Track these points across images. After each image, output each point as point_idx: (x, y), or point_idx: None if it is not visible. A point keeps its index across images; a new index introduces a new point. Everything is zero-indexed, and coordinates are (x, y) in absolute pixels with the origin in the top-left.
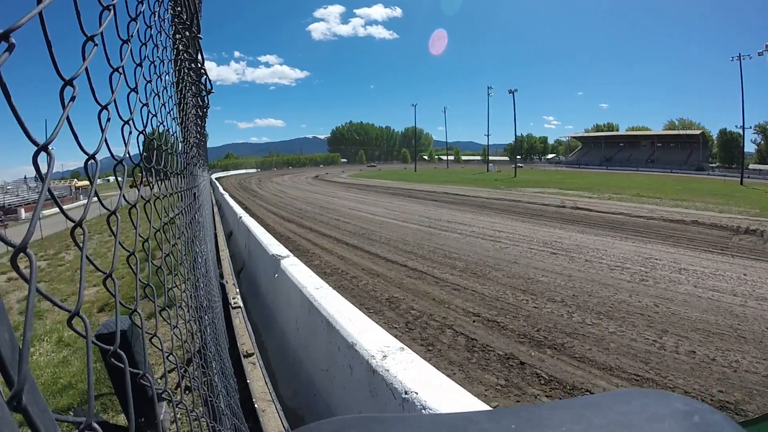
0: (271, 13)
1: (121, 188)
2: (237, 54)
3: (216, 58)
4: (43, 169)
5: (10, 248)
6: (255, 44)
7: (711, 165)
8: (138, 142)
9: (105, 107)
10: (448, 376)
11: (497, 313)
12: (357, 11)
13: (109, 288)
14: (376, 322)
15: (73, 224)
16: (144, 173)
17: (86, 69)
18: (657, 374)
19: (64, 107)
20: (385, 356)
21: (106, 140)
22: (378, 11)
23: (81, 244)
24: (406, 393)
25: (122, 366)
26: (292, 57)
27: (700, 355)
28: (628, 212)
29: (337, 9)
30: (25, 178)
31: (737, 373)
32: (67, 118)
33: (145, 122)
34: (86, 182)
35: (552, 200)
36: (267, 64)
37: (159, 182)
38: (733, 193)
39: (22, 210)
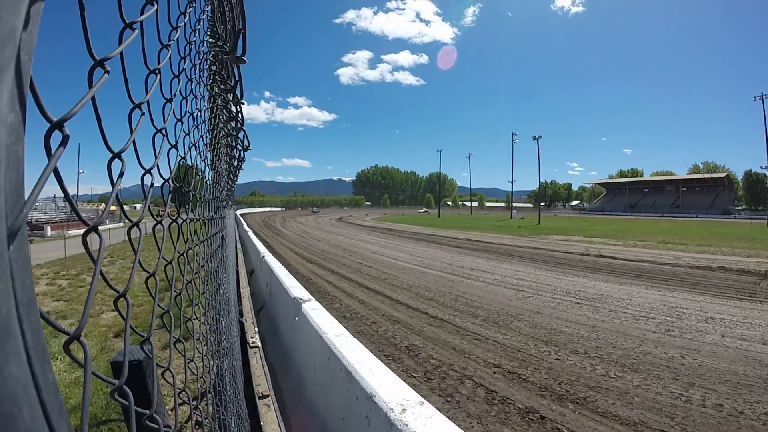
0: (301, 56)
1: (160, 249)
2: (267, 94)
3: (246, 97)
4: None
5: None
6: (285, 85)
7: (737, 208)
8: (176, 201)
9: (149, 171)
10: (466, 429)
11: (518, 364)
12: (384, 57)
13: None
14: (395, 370)
15: (116, 294)
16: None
17: (134, 139)
18: (683, 429)
19: (113, 182)
20: (404, 410)
21: (150, 207)
22: (405, 57)
23: (124, 315)
24: None
25: (126, 403)
26: (321, 99)
27: (728, 408)
28: (654, 260)
29: (365, 54)
30: (54, 197)
31: (766, 427)
32: (117, 195)
33: (183, 178)
34: (114, 208)
35: (576, 248)
36: (296, 106)
37: (192, 229)
38: (761, 236)
39: (49, 228)
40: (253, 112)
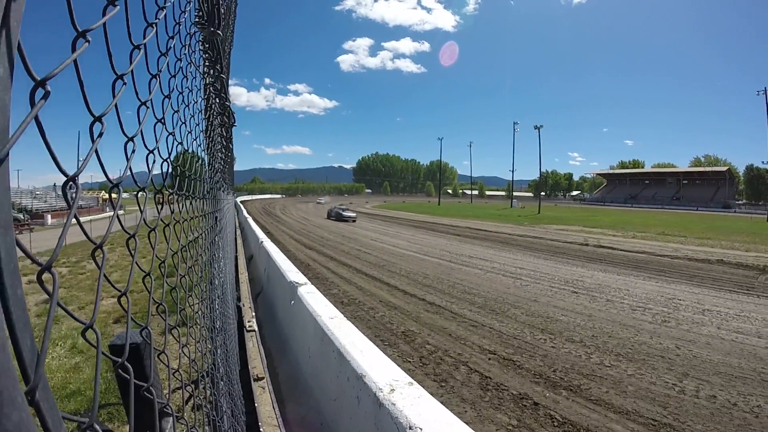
0: (301, 43)
1: (142, 210)
2: (267, 81)
3: (246, 84)
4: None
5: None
6: (285, 73)
7: (737, 202)
8: (162, 169)
9: (131, 139)
10: (459, 413)
11: (514, 351)
12: (385, 44)
13: (123, 305)
14: (390, 355)
15: (93, 246)
16: (173, 197)
17: (116, 105)
18: (675, 419)
19: (93, 141)
20: (392, 390)
21: (131, 168)
22: (406, 45)
23: (100, 264)
24: (410, 428)
25: (128, 377)
26: (322, 87)
27: (721, 399)
28: (652, 251)
29: (365, 42)
30: (54, 185)
31: (759, 419)
32: (96, 151)
33: (170, 150)
34: (113, 195)
35: (575, 238)
36: (296, 93)
37: (180, 205)
38: (760, 231)
39: (49, 216)
40: (253, 99)
